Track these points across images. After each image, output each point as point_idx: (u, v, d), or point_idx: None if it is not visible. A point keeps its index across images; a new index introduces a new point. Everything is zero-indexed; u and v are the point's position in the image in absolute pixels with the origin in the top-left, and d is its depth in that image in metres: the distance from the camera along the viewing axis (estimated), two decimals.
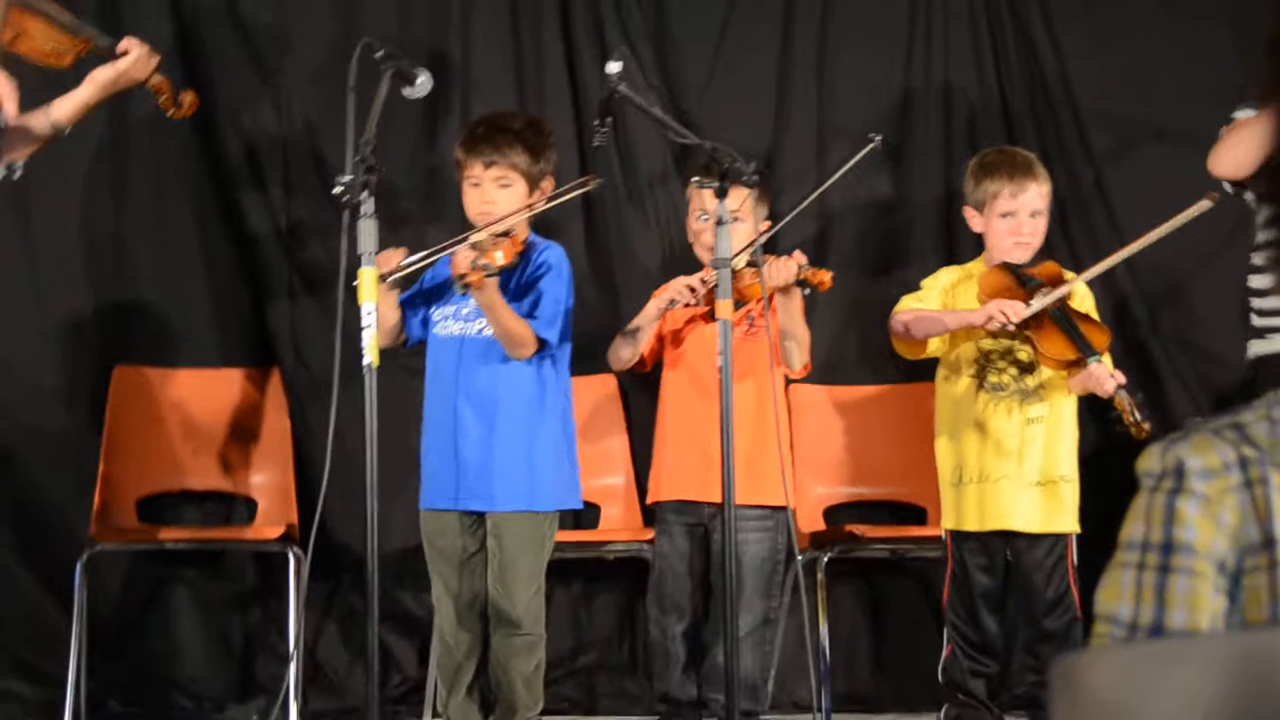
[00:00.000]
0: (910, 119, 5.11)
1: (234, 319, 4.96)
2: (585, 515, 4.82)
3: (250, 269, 4.95)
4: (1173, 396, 4.95)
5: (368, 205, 3.53)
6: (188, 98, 4.11)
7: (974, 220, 4.36)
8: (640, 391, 4.79)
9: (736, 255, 3.85)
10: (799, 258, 4.08)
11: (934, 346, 4.35)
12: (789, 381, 4.48)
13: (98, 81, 3.91)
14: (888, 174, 5.10)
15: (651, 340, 4.35)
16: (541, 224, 4.36)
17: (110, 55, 3.94)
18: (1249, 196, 4.34)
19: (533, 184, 4.06)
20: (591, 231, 5.04)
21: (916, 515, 4.93)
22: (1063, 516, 4.23)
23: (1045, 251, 4.39)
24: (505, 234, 3.90)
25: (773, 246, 4.37)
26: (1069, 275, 4.28)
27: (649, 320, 4.28)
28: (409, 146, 4.89)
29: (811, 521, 4.84)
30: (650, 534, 4.47)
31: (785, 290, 4.08)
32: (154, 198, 4.93)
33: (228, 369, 4.95)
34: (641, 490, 4.79)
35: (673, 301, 4.23)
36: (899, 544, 4.82)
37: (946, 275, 4.45)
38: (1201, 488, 1.69)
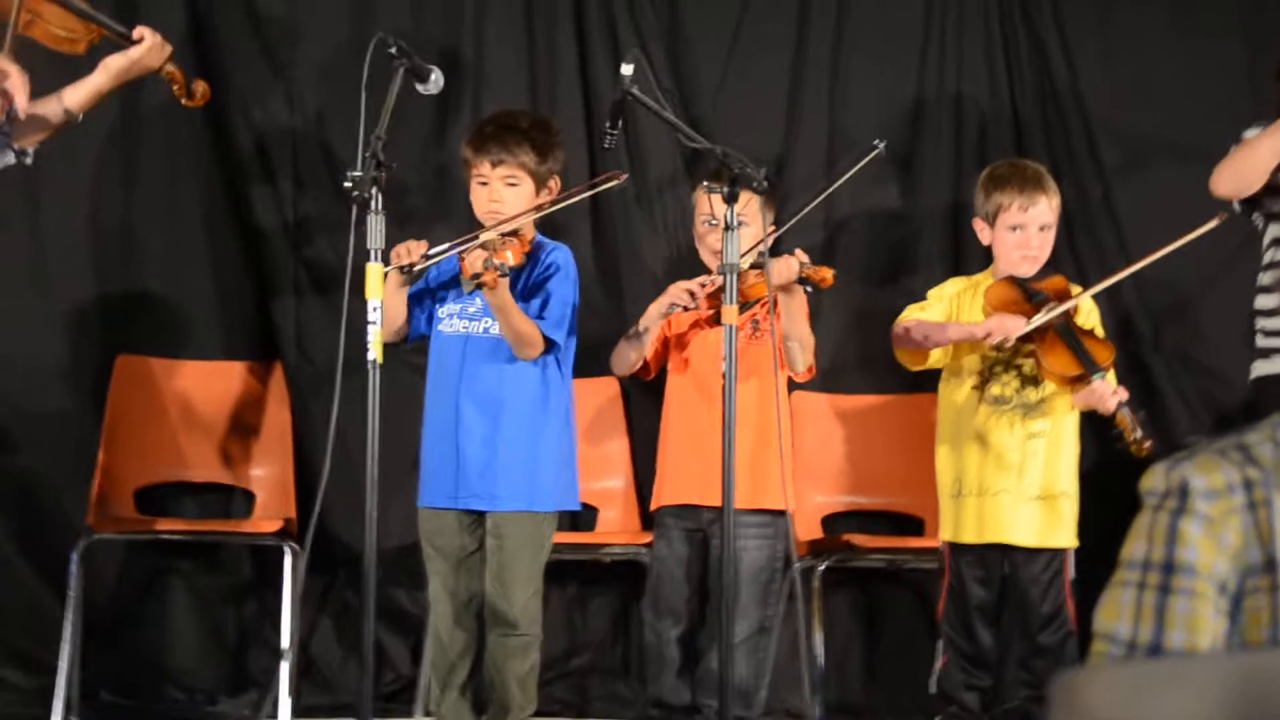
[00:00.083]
0: (921, 128, 5.11)
1: (238, 312, 4.96)
2: (582, 517, 4.82)
3: (256, 262, 4.95)
4: (1174, 414, 4.95)
5: (376, 201, 3.53)
6: (200, 87, 4.11)
7: (983, 232, 4.36)
8: (642, 395, 4.79)
9: (742, 256, 3.84)
10: (801, 256, 4.08)
11: (935, 358, 4.35)
12: (792, 385, 4.48)
13: (111, 69, 3.91)
14: (896, 183, 5.10)
15: (655, 345, 4.34)
16: (548, 225, 4.36)
17: (124, 43, 3.94)
18: (1256, 217, 4.35)
19: (540, 183, 4.06)
20: (599, 233, 5.04)
21: (914, 526, 4.93)
22: (1061, 531, 4.23)
23: (1052, 265, 4.38)
24: (513, 234, 3.90)
25: (776, 251, 4.37)
26: (1075, 290, 4.28)
27: (650, 325, 4.28)
28: (419, 143, 4.89)
29: (809, 530, 4.84)
30: (648, 538, 4.47)
31: (787, 289, 4.08)
32: (163, 188, 4.93)
33: (230, 361, 4.94)
34: (641, 494, 4.79)
35: (672, 306, 4.22)
36: (896, 554, 4.82)
37: (953, 287, 4.45)
38: (1205, 508, 1.69)
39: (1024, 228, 4.29)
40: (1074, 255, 4.93)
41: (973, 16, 5.13)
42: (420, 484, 4.08)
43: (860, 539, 4.68)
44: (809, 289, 4.11)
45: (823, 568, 4.64)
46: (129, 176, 4.93)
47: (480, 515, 4.00)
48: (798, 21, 5.13)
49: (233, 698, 4.80)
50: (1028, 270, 4.29)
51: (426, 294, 4.09)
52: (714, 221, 4.20)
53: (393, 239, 3.69)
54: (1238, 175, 4.20)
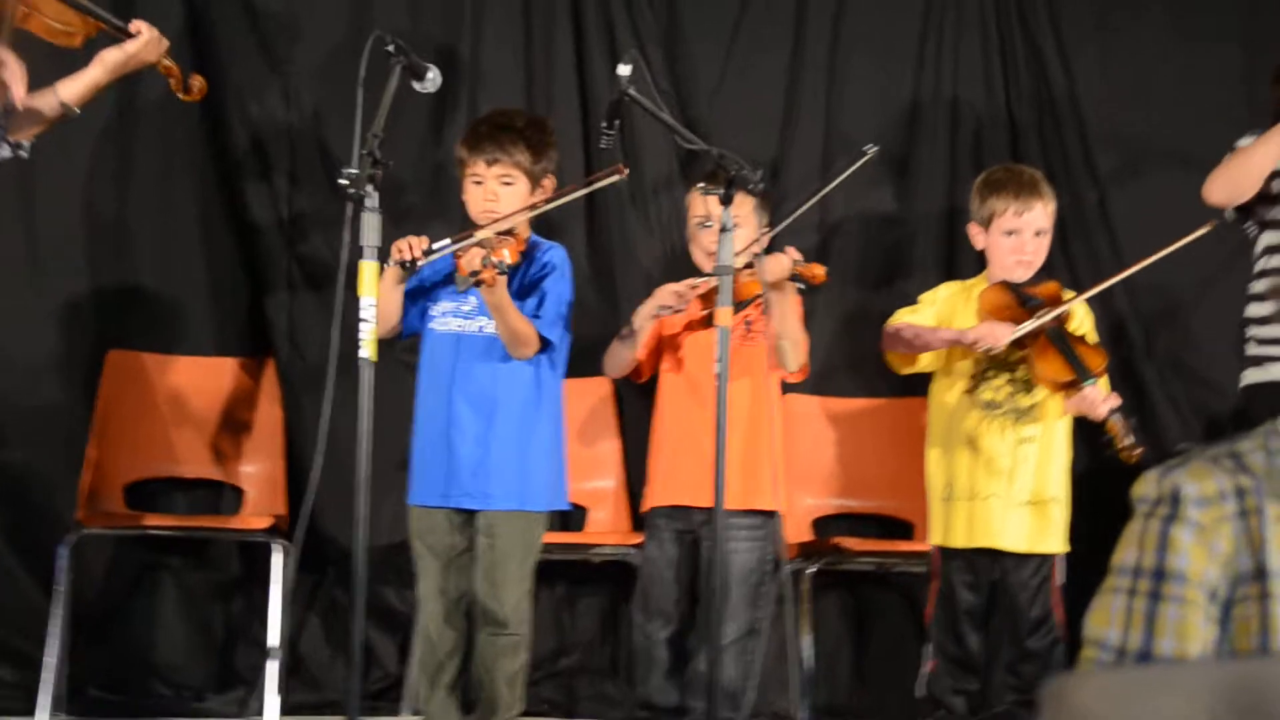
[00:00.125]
0: (917, 131, 5.12)
1: (232, 307, 4.95)
2: (572, 517, 4.82)
3: (250, 258, 4.94)
4: (1165, 421, 4.96)
5: (372, 199, 3.53)
6: (197, 82, 4.10)
7: (977, 237, 4.37)
8: (634, 395, 4.79)
9: (736, 256, 3.84)
10: (793, 253, 4.08)
11: (925, 361, 4.36)
12: (786, 386, 4.48)
13: (107, 63, 3.90)
14: (891, 186, 5.10)
15: (648, 348, 4.34)
16: (543, 224, 4.36)
17: (120, 36, 3.93)
18: (1249, 225, 4.35)
19: (535, 182, 4.06)
20: (593, 233, 5.05)
21: (903, 530, 4.93)
22: (1050, 537, 4.23)
23: (1046, 271, 4.39)
24: (509, 233, 3.89)
25: (769, 252, 4.37)
26: (1068, 295, 4.28)
27: (640, 327, 4.28)
28: (415, 141, 4.89)
29: (799, 532, 4.84)
30: (638, 539, 4.47)
31: (780, 286, 4.08)
32: (158, 182, 4.93)
33: (223, 357, 4.94)
34: (631, 494, 4.79)
35: (661, 309, 4.22)
36: (885, 558, 4.83)
37: (946, 291, 4.45)
38: (1197, 516, 1.69)
39: (1019, 233, 4.29)
40: (1068, 261, 4.94)
41: (969, 20, 5.14)
42: (410, 482, 4.07)
43: (850, 542, 4.69)
44: (801, 286, 4.11)
45: (812, 570, 4.64)
46: (124, 171, 4.92)
47: (471, 514, 3.99)
48: (795, 24, 5.14)
49: (220, 694, 4.79)
50: (1022, 275, 4.29)
51: (420, 291, 4.09)
52: (709, 224, 4.20)
53: (388, 236, 3.69)
54: (1231, 183, 4.21)
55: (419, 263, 3.86)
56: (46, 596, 4.51)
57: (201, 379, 4.91)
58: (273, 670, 4.46)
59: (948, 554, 4.26)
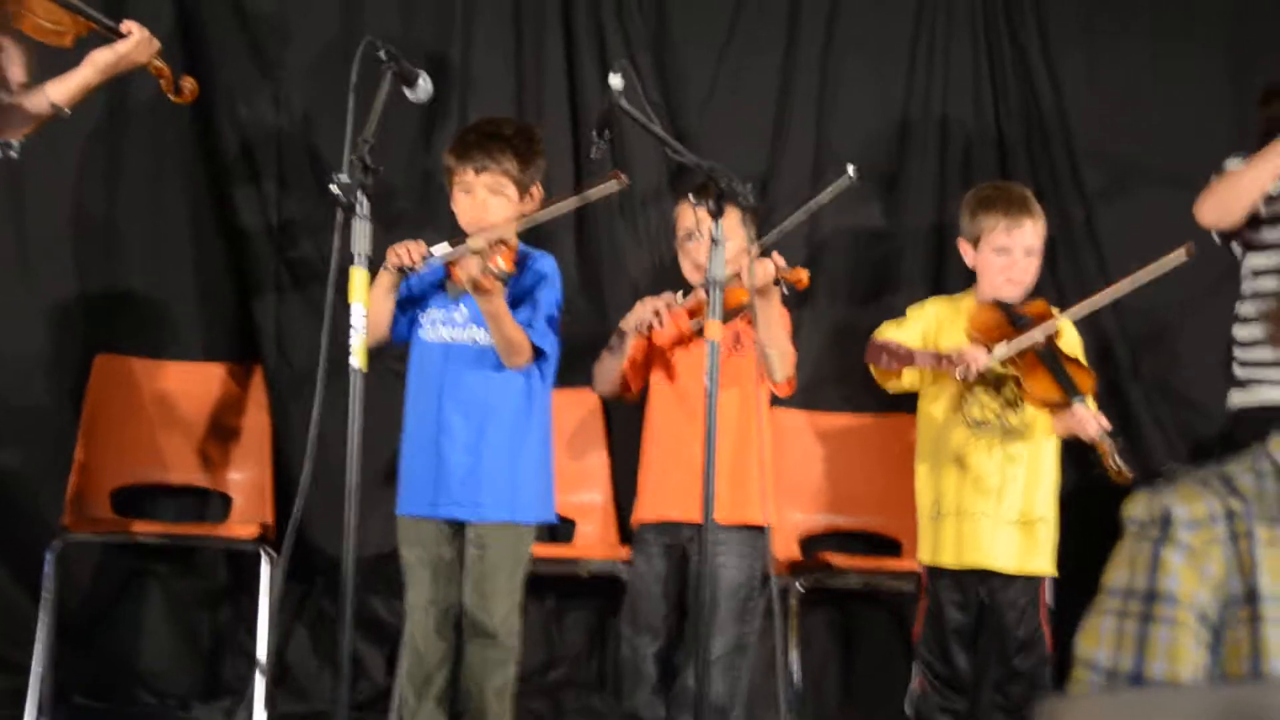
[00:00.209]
0: (906, 146, 5.12)
1: (220, 313, 4.94)
2: (560, 530, 4.81)
3: (239, 263, 4.93)
4: (1151, 442, 4.96)
5: (363, 205, 3.51)
6: (188, 84, 4.09)
7: (967, 254, 4.36)
8: (623, 408, 4.77)
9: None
10: (777, 259, 4.07)
11: (909, 380, 4.34)
12: (774, 401, 4.47)
13: (97, 63, 3.89)
14: (880, 202, 5.10)
15: (634, 362, 4.32)
16: (533, 234, 4.35)
17: (111, 37, 3.92)
18: (1235, 246, 4.36)
19: (523, 190, 4.05)
20: (582, 244, 5.04)
21: (891, 547, 4.93)
22: (1039, 557, 4.22)
23: (1033, 290, 4.38)
24: (502, 241, 3.88)
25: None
26: (1057, 314, 4.27)
27: (622, 343, 4.26)
28: (406, 147, 4.89)
29: (787, 549, 4.84)
30: (626, 552, 4.46)
31: (764, 292, 4.06)
32: (148, 184, 4.92)
33: (210, 363, 4.92)
34: (620, 508, 4.77)
35: (640, 323, 4.19)
36: (873, 575, 4.82)
37: (934, 307, 4.44)
38: (1187, 538, 1.69)
39: (1009, 251, 4.28)
40: (1055, 280, 4.94)
41: (959, 37, 5.16)
42: (399, 492, 4.05)
43: (838, 559, 4.68)
44: (785, 291, 4.10)
45: (800, 587, 4.63)
46: (113, 173, 4.91)
47: (460, 525, 3.97)
48: (786, 35, 5.15)
49: (206, 703, 4.77)
50: (1012, 294, 4.28)
51: (409, 300, 4.07)
52: (698, 236, 4.19)
53: (378, 243, 3.67)
54: (1222, 206, 4.21)
55: (417, 268, 3.85)
56: (33, 602, 4.49)
57: (189, 384, 4.89)
58: (260, 681, 4.44)
59: (936, 573, 4.25)
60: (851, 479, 5.00)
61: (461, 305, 3.98)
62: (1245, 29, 5.15)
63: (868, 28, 5.16)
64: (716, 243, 3.70)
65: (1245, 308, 4.34)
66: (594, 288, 5.00)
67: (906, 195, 5.11)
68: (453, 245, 3.91)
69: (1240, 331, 4.35)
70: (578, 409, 4.86)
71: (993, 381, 4.24)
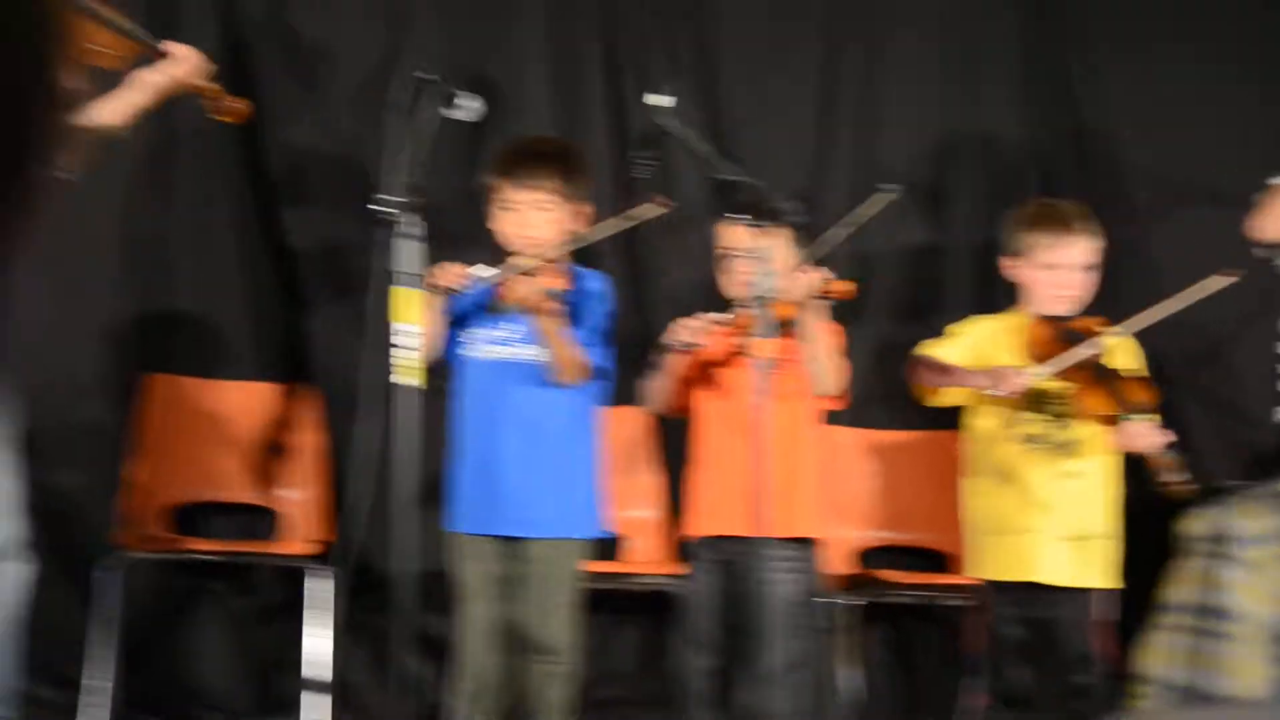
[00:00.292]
0: (950, 164, 5.12)
1: (270, 332, 4.98)
2: (612, 546, 4.81)
3: (290, 283, 4.96)
4: (1206, 458, 4.92)
5: (410, 226, 3.53)
6: (238, 105, 4.12)
7: (1014, 271, 4.34)
8: (675, 423, 4.77)
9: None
10: (821, 272, 4.07)
11: (951, 395, 4.33)
12: (826, 415, 4.46)
13: (147, 85, 3.91)
14: (925, 220, 5.10)
15: (680, 380, 4.32)
16: (579, 253, 4.36)
17: (160, 59, 3.95)
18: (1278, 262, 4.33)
19: (570, 208, 4.05)
20: (629, 262, 5.05)
21: (944, 562, 4.92)
22: (1096, 571, 4.20)
23: (1088, 307, 4.36)
24: (550, 260, 3.89)
25: None
26: (1109, 330, 4.25)
27: (667, 366, 4.27)
28: (450, 168, 4.90)
29: (841, 564, 4.83)
30: (678, 568, 4.46)
31: (809, 307, 4.06)
32: (197, 206, 4.96)
33: (262, 382, 4.96)
34: (672, 523, 4.78)
35: (679, 343, 4.19)
36: (926, 591, 4.82)
37: (980, 325, 4.43)
38: (1247, 554, 1.68)
39: (1058, 267, 4.27)
40: (1108, 297, 4.91)
41: (1002, 53, 5.15)
42: (452, 509, 4.06)
43: (893, 575, 4.68)
44: (831, 304, 4.10)
45: (857, 603, 4.63)
46: (163, 194, 4.95)
47: (515, 541, 3.98)
48: (827, 55, 5.15)
49: (261, 719, 4.80)
50: (1061, 310, 4.27)
51: (453, 320, 4.08)
52: (742, 254, 4.18)
53: (426, 263, 3.69)
54: (1276, 220, 4.18)
55: (458, 290, 3.86)
56: (90, 619, 4.53)
57: (241, 403, 4.93)
58: (322, 702, 4.46)
59: (992, 588, 4.24)
60: (902, 495, 5.00)
61: (514, 324, 3.99)
62: None
63: (910, 44, 5.16)
64: (763, 260, 3.71)
65: None
66: (640, 305, 5.02)
67: (952, 212, 5.11)
68: (496, 265, 3.92)
69: None
70: (629, 426, 4.87)
71: (1044, 398, 4.22)
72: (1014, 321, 4.34)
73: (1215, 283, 4.11)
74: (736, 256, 4.25)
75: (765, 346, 3.68)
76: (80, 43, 3.85)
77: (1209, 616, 1.64)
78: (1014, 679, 4.24)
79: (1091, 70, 5.14)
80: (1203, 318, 4.69)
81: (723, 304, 4.33)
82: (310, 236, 4.96)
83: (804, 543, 4.18)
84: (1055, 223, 4.29)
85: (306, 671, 4.61)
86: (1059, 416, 4.22)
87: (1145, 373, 4.29)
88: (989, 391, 4.11)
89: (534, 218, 4.03)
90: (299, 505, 4.88)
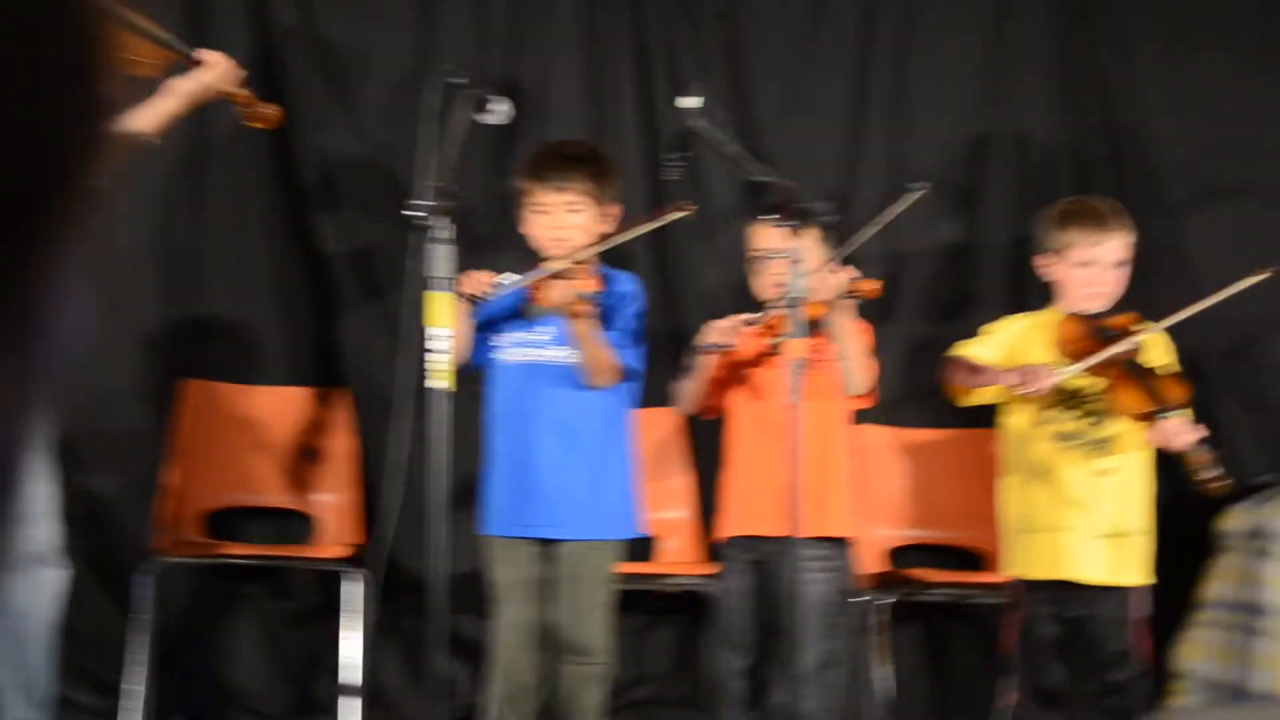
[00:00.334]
0: (984, 162, 5.10)
1: (304, 337, 5.00)
2: (645, 547, 4.81)
3: (323, 288, 4.98)
4: (1243, 453, 4.90)
5: (442, 230, 3.54)
6: (271, 110, 4.14)
7: (1049, 269, 4.33)
8: (706, 425, 4.77)
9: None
10: (848, 271, 4.07)
11: (983, 394, 4.32)
12: (857, 415, 4.46)
13: (180, 92, 3.93)
14: (958, 218, 5.09)
15: (711, 381, 4.32)
16: (610, 255, 4.37)
17: (193, 67, 3.97)
18: None
19: (599, 209, 4.07)
20: (660, 264, 5.06)
21: (978, 560, 4.91)
22: (1133, 568, 4.18)
23: (1121, 303, 4.34)
24: (582, 262, 3.90)
25: None
26: (1144, 326, 4.23)
27: (698, 367, 4.27)
28: (481, 171, 4.92)
29: (874, 563, 4.83)
30: (711, 568, 4.47)
31: (835, 305, 4.06)
32: (230, 213, 4.98)
33: (297, 387, 4.98)
34: (705, 524, 4.78)
35: (711, 346, 4.19)
36: (960, 589, 4.81)
37: (1014, 324, 4.42)
38: None
39: (1093, 264, 4.26)
40: (1143, 294, 4.89)
41: (1036, 50, 5.13)
42: (486, 512, 4.07)
43: (926, 573, 4.67)
44: (859, 303, 4.10)
45: (888, 602, 4.63)
46: (196, 201, 4.97)
47: (549, 543, 4.00)
48: (859, 53, 5.14)
49: None
50: (1097, 307, 4.26)
51: (483, 324, 4.10)
52: (774, 255, 4.19)
53: (459, 267, 3.70)
54: None
55: (487, 297, 3.87)
56: (127, 624, 4.55)
57: (276, 408, 4.95)
58: (353, 705, 4.47)
59: (1027, 586, 4.23)
60: (935, 493, 4.99)
61: (545, 325, 4.00)
62: None
63: (942, 42, 5.15)
64: (796, 261, 3.71)
65: None
66: (672, 307, 5.02)
67: (985, 211, 5.10)
68: (526, 269, 3.93)
69: None
70: (660, 427, 4.88)
71: (1079, 395, 4.21)
72: (1048, 319, 4.33)
73: (1251, 278, 4.09)
74: (768, 257, 4.25)
75: (797, 346, 3.68)
76: (122, 54, 3.88)
77: (1247, 612, 1.64)
78: (1049, 677, 4.23)
79: (1125, 67, 5.11)
80: (1238, 313, 4.67)
81: (754, 305, 4.34)
82: (342, 241, 4.98)
83: (836, 542, 4.18)
84: (1090, 220, 4.28)
85: (343, 675, 4.62)
86: (1093, 414, 4.21)
87: (1178, 369, 4.27)
88: (1021, 390, 4.10)
89: (564, 220, 4.04)
90: (332, 509, 4.89)
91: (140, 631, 4.48)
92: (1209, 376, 4.96)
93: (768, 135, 5.10)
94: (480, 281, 3.86)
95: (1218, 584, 1.66)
